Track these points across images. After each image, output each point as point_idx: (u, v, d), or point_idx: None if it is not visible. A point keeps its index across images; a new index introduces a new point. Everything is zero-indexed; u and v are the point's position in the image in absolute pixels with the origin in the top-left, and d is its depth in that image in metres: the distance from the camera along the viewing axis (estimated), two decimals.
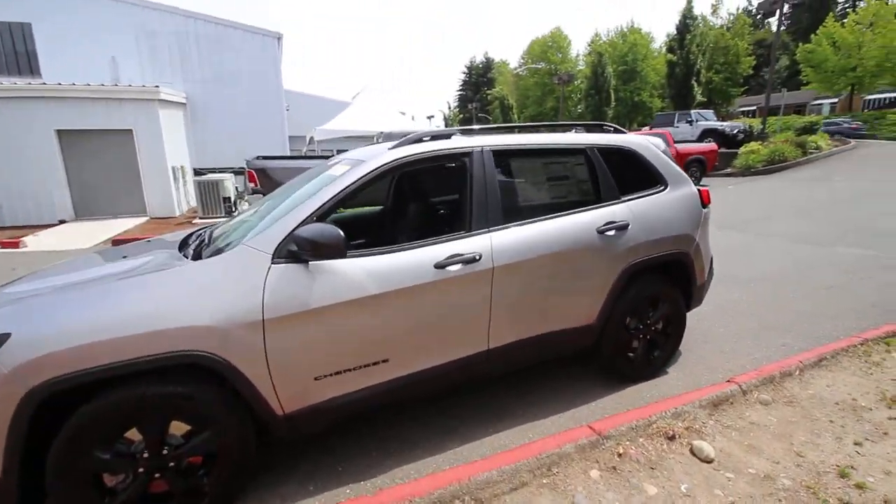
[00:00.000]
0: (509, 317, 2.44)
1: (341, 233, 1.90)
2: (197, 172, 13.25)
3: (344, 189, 2.13)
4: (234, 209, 10.67)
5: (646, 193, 2.92)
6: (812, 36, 31.53)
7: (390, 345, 2.16)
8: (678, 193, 3.03)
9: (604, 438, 2.28)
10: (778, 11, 17.81)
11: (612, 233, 2.67)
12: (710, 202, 3.20)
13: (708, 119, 18.21)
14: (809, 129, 17.90)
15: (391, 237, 2.96)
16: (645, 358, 3.01)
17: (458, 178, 2.47)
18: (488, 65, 60.22)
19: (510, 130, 2.70)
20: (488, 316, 2.37)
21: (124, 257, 2.37)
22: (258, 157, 9.04)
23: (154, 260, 2.18)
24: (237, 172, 12.75)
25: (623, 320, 2.84)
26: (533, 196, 2.77)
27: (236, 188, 11.62)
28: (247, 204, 10.61)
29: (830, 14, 33.62)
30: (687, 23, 31.53)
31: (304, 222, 2.01)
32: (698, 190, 3.15)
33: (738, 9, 49.70)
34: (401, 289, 2.11)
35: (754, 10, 53.14)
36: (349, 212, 3.76)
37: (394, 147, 2.36)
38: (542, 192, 2.81)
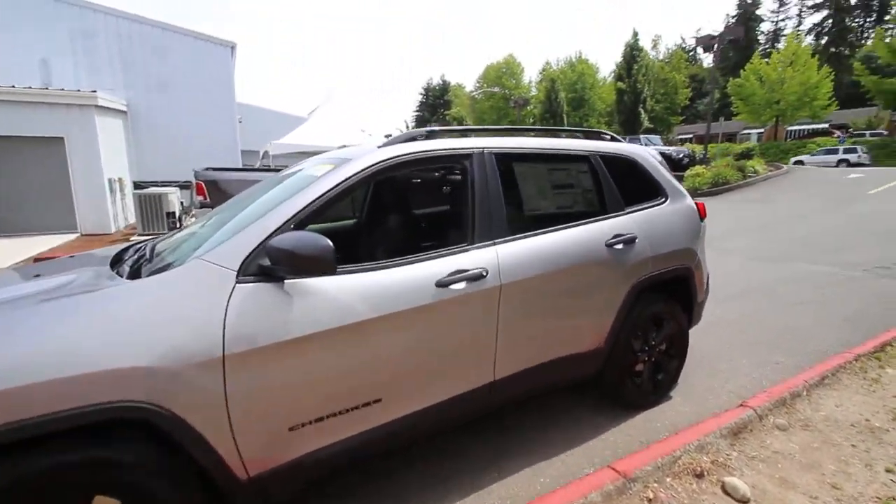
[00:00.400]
0: (517, 342, 2.12)
1: (330, 243, 1.53)
2: (138, 186, 12.18)
3: (329, 191, 1.76)
4: (178, 225, 9.79)
5: (648, 205, 2.73)
6: (741, 71, 34.39)
7: (384, 381, 1.78)
8: (678, 206, 2.87)
9: (630, 481, 1.99)
10: (716, 48, 19.15)
11: (620, 246, 2.44)
12: (706, 216, 3.07)
13: (656, 144, 19.15)
14: (747, 155, 19.18)
15: (373, 252, 2.59)
16: (650, 382, 2.78)
17: (457, 182, 2.16)
18: (445, 87, 61.23)
19: (508, 133, 2.43)
20: (494, 342, 2.04)
21: (36, 276, 1.86)
22: (208, 169, 8.35)
23: (76, 280, 1.70)
24: (183, 186, 11.81)
25: (629, 342, 2.60)
26: (537, 205, 2.50)
27: (182, 203, 10.73)
28: (193, 219, 9.79)
29: (756, 52, 36.99)
30: (634, 53, 33.57)
31: (279, 230, 1.62)
32: (695, 203, 3.02)
33: (675, 45, 53.72)
34: (398, 312, 1.75)
35: (688, 47, 57.76)
36: (317, 227, 3.34)
37: (384, 145, 2.02)
38: (546, 201, 2.55)
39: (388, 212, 3.01)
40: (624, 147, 2.81)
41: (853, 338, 3.77)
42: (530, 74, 59.03)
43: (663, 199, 2.82)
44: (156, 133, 14.22)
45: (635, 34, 33.84)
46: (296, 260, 1.48)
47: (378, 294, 1.73)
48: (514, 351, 2.12)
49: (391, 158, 1.94)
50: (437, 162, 2.12)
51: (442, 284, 1.86)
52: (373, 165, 1.88)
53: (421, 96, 62.68)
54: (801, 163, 24.39)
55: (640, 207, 2.67)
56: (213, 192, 7.72)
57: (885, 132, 34.19)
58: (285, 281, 1.57)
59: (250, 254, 1.55)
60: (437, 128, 2.22)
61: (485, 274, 1.96)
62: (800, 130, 40.08)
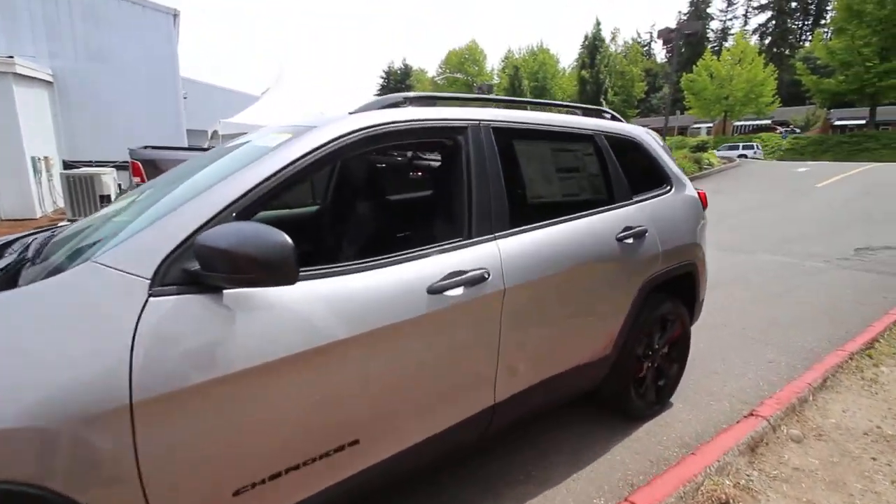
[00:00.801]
0: (521, 356, 1.76)
1: (287, 239, 1.08)
2: (68, 165, 10.91)
3: (286, 167, 1.30)
4: None
5: (655, 194, 2.43)
6: (693, 67, 35.55)
7: (361, 418, 1.37)
8: (684, 195, 2.60)
9: None
10: (674, 42, 19.50)
11: (630, 241, 2.12)
12: (707, 206, 2.82)
13: None
14: (702, 148, 19.77)
15: (343, 250, 2.14)
16: (653, 390, 2.51)
17: (449, 161, 1.75)
18: (407, 71, 59.91)
19: (504, 104, 2.03)
20: (496, 358, 1.67)
21: None
22: (147, 147, 7.46)
23: None
24: (120, 167, 10.64)
25: (635, 347, 2.31)
26: (541, 191, 2.13)
27: (119, 185, 9.66)
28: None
29: (707, 49, 38.34)
30: (596, 44, 33.87)
31: (215, 220, 1.16)
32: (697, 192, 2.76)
33: (631, 38, 54.95)
34: (380, 329, 1.33)
35: (643, 41, 59.26)
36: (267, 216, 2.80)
37: (357, 111, 1.58)
38: (550, 187, 2.18)
39: (361, 197, 2.53)
40: (627, 127, 2.49)
41: (835, 332, 3.73)
42: (492, 62, 58.81)
43: (668, 188, 2.53)
44: (89, 108, 12.77)
45: (598, 23, 34.14)
46: (237, 263, 1.03)
47: (353, 306, 1.31)
48: (517, 367, 1.76)
49: (366, 129, 1.49)
50: (423, 135, 1.70)
51: (435, 291, 1.45)
52: (343, 137, 1.43)
53: (382, 80, 61.10)
54: (744, 156, 25.71)
55: (646, 196, 2.36)
56: (152, 173, 6.88)
57: (798, 130, 36.81)
58: (224, 292, 1.12)
59: (170, 254, 1.09)
60: (422, 93, 1.79)
61: (486, 276, 1.58)
62: (746, 126, 42.17)
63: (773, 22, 56.11)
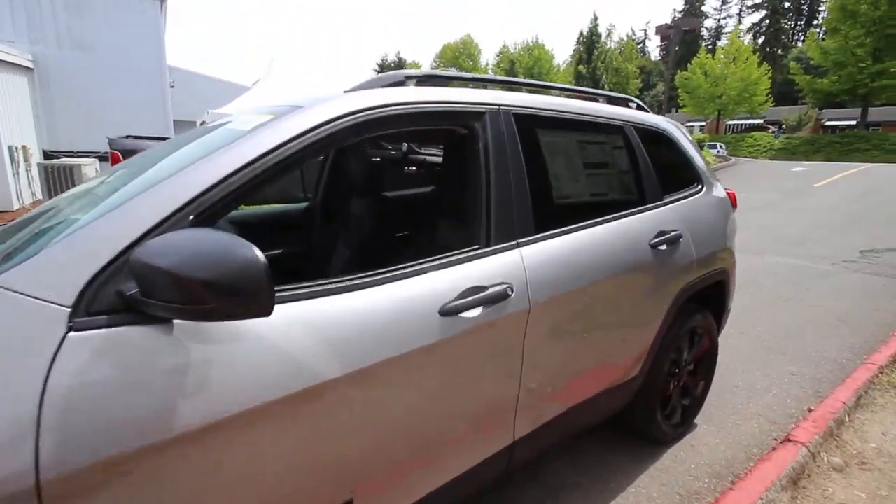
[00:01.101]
0: (545, 385, 1.50)
1: (259, 256, 0.79)
2: (48, 155, 10.45)
3: (264, 156, 1.01)
4: None
5: (686, 194, 2.18)
6: (688, 65, 35.47)
7: (355, 473, 1.10)
8: (715, 195, 2.35)
9: None
10: (672, 38, 19.32)
11: (664, 247, 1.86)
12: (736, 207, 2.58)
13: None
14: (699, 146, 19.67)
15: (335, 260, 1.86)
16: (679, 411, 2.27)
17: (463, 152, 1.47)
18: (401, 65, 59.23)
19: (524, 87, 1.75)
20: (517, 389, 1.41)
21: None
22: (128, 137, 7.09)
23: None
24: (103, 157, 10.21)
25: (663, 365, 2.07)
26: (568, 190, 1.85)
27: None
28: None
29: (702, 47, 38.32)
30: (593, 39, 33.63)
31: (162, 226, 0.87)
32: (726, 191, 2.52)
33: (626, 35, 54.82)
34: (384, 362, 1.06)
35: (637, 38, 59.24)
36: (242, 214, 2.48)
37: (354, 90, 1.30)
38: (577, 186, 1.90)
39: (357, 196, 2.23)
40: (655, 119, 2.23)
41: (855, 341, 3.56)
42: (487, 57, 58.43)
43: (699, 186, 2.28)
44: (71, 96, 12.24)
45: (595, 18, 33.89)
46: (187, 289, 0.74)
47: (348, 334, 1.03)
48: (540, 398, 1.49)
49: (365, 111, 1.20)
50: (433, 121, 1.41)
51: (448, 312, 1.18)
52: (336, 120, 1.14)
53: (376, 73, 60.43)
54: None
55: (678, 196, 2.11)
56: None
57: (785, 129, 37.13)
58: (174, 322, 0.83)
59: (100, 272, 0.80)
60: (431, 71, 1.51)
61: (510, 292, 1.31)
62: (738, 125, 42.29)
63: (767, 21, 56.35)
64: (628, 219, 1.80)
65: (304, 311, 1.00)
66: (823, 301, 4.52)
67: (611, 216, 1.74)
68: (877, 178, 14.47)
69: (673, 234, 1.90)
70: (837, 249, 6.62)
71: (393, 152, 2.51)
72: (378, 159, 2.39)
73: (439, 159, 2.45)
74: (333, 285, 1.06)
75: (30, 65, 11.51)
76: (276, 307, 0.89)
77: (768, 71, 33.15)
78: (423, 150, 2.53)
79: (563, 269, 1.48)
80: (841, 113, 36.41)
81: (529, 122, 1.57)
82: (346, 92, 1.28)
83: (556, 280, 1.45)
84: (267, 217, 2.64)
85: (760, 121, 40.91)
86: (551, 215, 1.57)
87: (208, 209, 0.92)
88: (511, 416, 1.42)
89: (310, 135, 1.08)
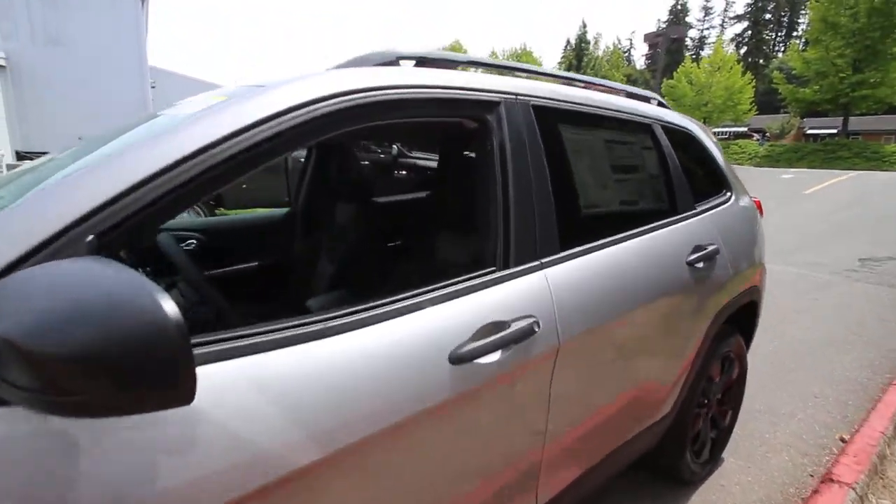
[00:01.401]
0: (573, 440, 1.23)
1: (170, 311, 0.49)
2: (22, 157, 9.94)
3: (203, 151, 0.72)
4: None
5: (716, 203, 1.93)
6: (674, 73, 35.90)
7: None
8: (743, 204, 2.11)
9: None
10: (660, 45, 19.41)
11: (701, 265, 1.60)
12: (763, 216, 2.35)
13: None
14: None
15: (316, 277, 1.56)
16: (709, 446, 2.01)
17: (475, 151, 1.19)
18: None
19: (541, 76, 1.48)
20: (541, 447, 1.12)
21: None
22: None
23: None
24: None
25: (695, 398, 1.80)
26: (595, 198, 1.57)
27: None
28: None
29: (687, 56, 38.87)
30: (582, 46, 33.85)
31: (39, 254, 0.56)
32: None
33: (612, 44, 55.51)
34: (377, 434, 0.77)
35: (623, 48, 60.05)
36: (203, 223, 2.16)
37: (340, 67, 1.01)
38: (605, 193, 1.62)
39: (344, 200, 1.92)
40: (681, 117, 1.99)
41: (873, 356, 3.39)
42: None
43: (728, 194, 2.04)
44: (46, 95, 11.69)
45: (584, 25, 34.15)
46: (44, 370, 0.45)
47: (325, 401, 0.74)
48: (567, 454, 1.22)
49: (352, 94, 0.91)
50: (436, 109, 1.12)
51: (462, 358, 0.90)
52: (309, 105, 0.85)
53: None
54: None
55: (709, 206, 1.86)
56: None
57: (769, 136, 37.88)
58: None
59: None
60: (431, 52, 1.22)
61: (536, 328, 1.03)
62: (723, 132, 42.92)
63: (749, 32, 57.56)
64: (662, 232, 1.54)
65: (258, 368, 0.70)
66: (831, 313, 4.36)
67: (643, 229, 1.48)
68: (865, 184, 14.62)
69: (710, 249, 1.64)
70: (837, 257, 6.50)
71: (382, 156, 2.23)
72: (372, 158, 2.10)
73: (434, 164, 2.17)
74: (303, 328, 0.77)
75: (2, 62, 11.00)
76: (217, 366, 0.60)
77: (752, 80, 33.69)
78: (414, 154, 2.25)
79: (596, 295, 1.21)
80: (823, 121, 37.16)
81: (552, 116, 1.30)
82: (329, 70, 1.00)
83: (589, 308, 1.18)
84: (241, 225, 2.35)
85: (745, 129, 41.57)
86: (578, 229, 1.30)
87: (114, 229, 0.62)
88: (533, 480, 1.13)
89: (271, 124, 0.79)
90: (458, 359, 0.89)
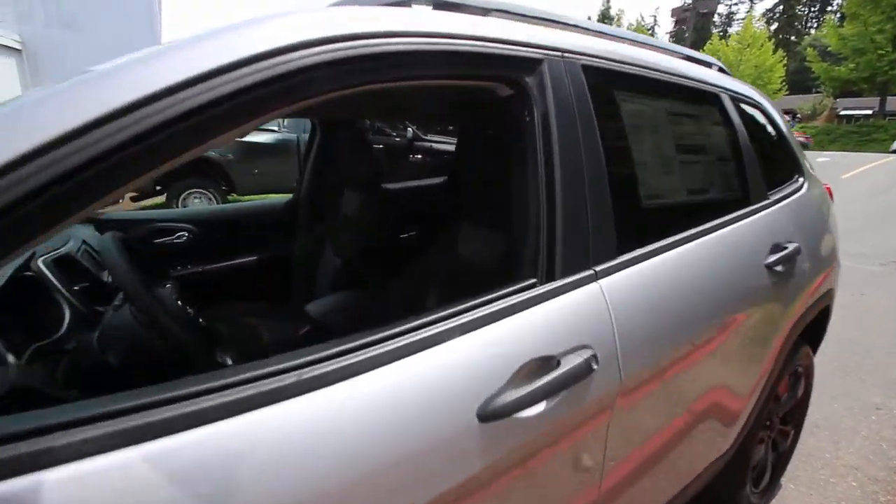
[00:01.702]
0: (628, 493, 0.96)
1: None
2: None
3: (103, 122, 0.46)
4: None
5: (790, 190, 1.61)
6: (701, 51, 34.51)
7: None
8: (817, 190, 1.79)
9: None
10: (689, 20, 18.47)
11: (780, 268, 1.30)
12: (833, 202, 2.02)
13: None
14: None
15: (319, 274, 1.32)
16: (769, 472, 1.74)
17: (504, 127, 0.91)
18: None
19: (591, 32, 1.18)
20: None
21: None
22: None
23: None
24: None
25: (761, 423, 1.52)
26: (658, 185, 1.25)
27: None
28: None
29: (715, 34, 37.24)
30: (604, 23, 32.77)
31: None
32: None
33: (636, 21, 53.48)
34: None
35: (646, 25, 57.92)
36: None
37: (336, 4, 0.74)
38: (670, 178, 1.29)
39: (351, 189, 1.66)
40: (746, 86, 1.66)
41: None
42: None
43: (801, 180, 1.71)
44: (62, 79, 11.70)
45: (606, 1, 32.86)
46: None
47: (317, 478, 0.49)
48: None
49: (346, 41, 0.63)
50: (461, 66, 0.81)
51: (495, 414, 0.64)
52: (290, 52, 0.57)
53: None
54: None
55: (783, 195, 1.54)
56: None
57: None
58: None
59: None
60: None
61: (594, 365, 0.76)
62: None
63: (781, 7, 54.83)
64: (736, 228, 1.24)
65: (216, 440, 0.46)
66: (881, 309, 3.99)
67: (716, 223, 1.18)
68: None
69: (791, 248, 1.33)
70: (884, 247, 6.05)
71: (397, 139, 1.96)
72: (381, 140, 1.83)
73: (452, 147, 1.90)
74: (275, 383, 0.52)
75: (18, 46, 10.97)
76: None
77: (783, 58, 32.06)
78: (429, 138, 1.96)
79: (665, 313, 0.93)
80: (857, 102, 35.37)
81: (609, 81, 1.00)
82: (329, 7, 0.72)
83: (658, 332, 0.90)
84: (239, 215, 2.13)
85: None
86: (639, 225, 1.02)
87: None
88: None
89: (224, 78, 0.53)
90: (489, 415, 0.63)
